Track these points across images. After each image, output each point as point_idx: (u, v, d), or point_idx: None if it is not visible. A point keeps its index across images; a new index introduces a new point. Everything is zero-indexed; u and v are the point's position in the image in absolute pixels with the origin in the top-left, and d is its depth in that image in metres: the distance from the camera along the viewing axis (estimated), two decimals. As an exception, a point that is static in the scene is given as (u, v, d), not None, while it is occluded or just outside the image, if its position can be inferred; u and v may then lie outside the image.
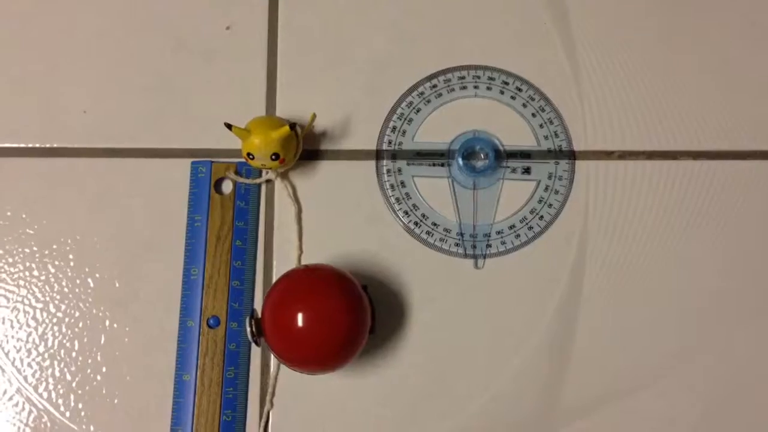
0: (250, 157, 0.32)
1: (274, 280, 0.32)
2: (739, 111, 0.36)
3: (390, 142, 0.35)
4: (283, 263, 0.34)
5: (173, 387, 0.33)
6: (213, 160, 0.35)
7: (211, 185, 0.34)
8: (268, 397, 0.33)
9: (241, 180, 0.34)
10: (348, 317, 0.30)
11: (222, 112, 0.35)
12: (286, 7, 0.36)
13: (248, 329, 0.30)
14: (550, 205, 0.35)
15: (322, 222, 0.34)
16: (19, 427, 0.33)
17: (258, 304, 0.34)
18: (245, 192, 0.34)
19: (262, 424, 0.33)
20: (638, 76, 0.36)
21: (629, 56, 0.36)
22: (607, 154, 0.35)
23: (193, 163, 0.35)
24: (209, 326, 0.33)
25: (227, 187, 0.35)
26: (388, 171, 0.35)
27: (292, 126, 0.31)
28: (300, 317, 0.29)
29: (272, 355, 0.33)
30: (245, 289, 0.33)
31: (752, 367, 0.34)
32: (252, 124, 0.32)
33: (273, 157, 0.32)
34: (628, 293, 0.34)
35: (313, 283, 0.30)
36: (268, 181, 0.35)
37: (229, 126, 0.31)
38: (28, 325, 0.34)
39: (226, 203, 0.34)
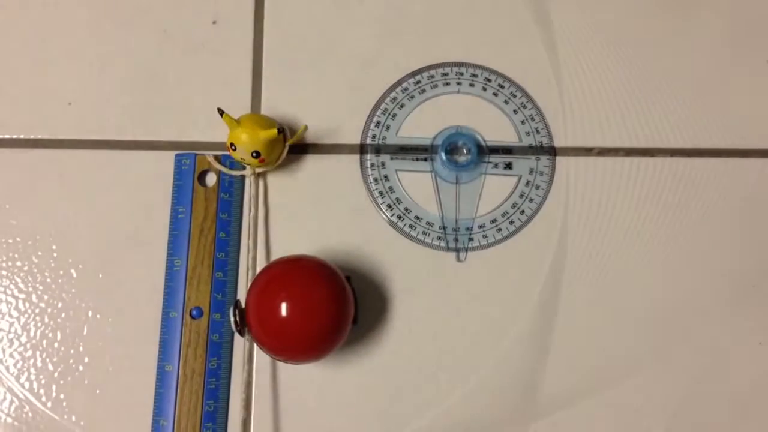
0: (233, 148, 0.32)
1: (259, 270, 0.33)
2: (713, 110, 0.36)
3: (374, 137, 0.36)
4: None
5: (155, 377, 0.33)
6: (197, 152, 0.35)
7: (194, 177, 0.34)
8: (251, 393, 0.33)
9: (221, 168, 0.34)
10: (331, 306, 0.30)
11: (207, 105, 0.35)
12: (272, 1, 0.37)
13: (232, 319, 0.30)
14: (531, 200, 0.35)
15: (307, 215, 0.35)
16: (0, 417, 0.33)
17: (242, 295, 0.34)
18: (229, 184, 0.35)
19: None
20: (617, 76, 0.37)
21: (609, 56, 0.37)
22: (587, 151, 0.36)
23: (177, 155, 0.35)
24: (192, 317, 0.33)
25: (211, 179, 0.35)
26: (372, 165, 0.35)
27: (281, 130, 0.32)
28: (284, 307, 0.29)
29: (255, 346, 0.33)
30: (228, 280, 0.34)
31: (728, 360, 0.34)
32: (244, 118, 0.32)
33: (254, 154, 0.32)
34: (607, 286, 0.35)
35: (298, 273, 0.30)
36: (244, 177, 0.35)
37: (221, 112, 0.32)
38: (11, 316, 0.33)
39: (210, 195, 0.34)
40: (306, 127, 0.34)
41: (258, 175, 0.34)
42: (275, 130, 0.32)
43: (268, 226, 0.35)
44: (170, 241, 0.34)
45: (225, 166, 0.35)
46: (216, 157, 0.35)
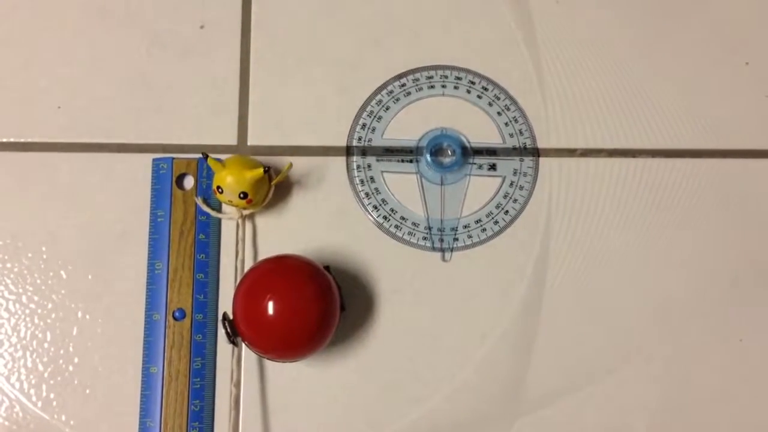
0: (219, 190, 0.33)
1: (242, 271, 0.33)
2: (694, 112, 0.37)
3: (360, 139, 0.36)
4: (250, 255, 0.35)
5: (141, 379, 0.33)
6: (175, 156, 0.35)
7: (173, 181, 0.35)
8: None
9: (210, 212, 0.34)
10: (320, 302, 0.30)
11: (196, 108, 0.36)
12: (258, 6, 0.37)
13: (223, 332, 0.31)
14: (515, 201, 0.36)
15: (294, 216, 0.35)
16: (-10, 418, 0.33)
17: (222, 296, 0.34)
18: (207, 187, 0.35)
19: (232, 415, 0.33)
20: (599, 78, 0.37)
21: (591, 58, 0.37)
22: (570, 152, 0.36)
23: (154, 160, 0.35)
24: (175, 319, 0.34)
25: (189, 182, 0.35)
26: (358, 167, 0.36)
27: (266, 170, 0.32)
28: (272, 305, 0.30)
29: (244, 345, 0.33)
30: (209, 281, 0.34)
31: (709, 357, 0.35)
32: (229, 160, 0.33)
33: (241, 195, 0.32)
34: (589, 286, 0.35)
35: (283, 271, 0.31)
36: (230, 218, 0.34)
37: (206, 156, 0.32)
38: (1, 317, 0.34)
39: (189, 198, 0.35)
40: (291, 165, 0.34)
41: (245, 218, 0.34)
42: (261, 170, 0.32)
43: (255, 227, 0.35)
44: (150, 245, 0.34)
45: (203, 171, 0.35)
46: (203, 200, 0.35)
